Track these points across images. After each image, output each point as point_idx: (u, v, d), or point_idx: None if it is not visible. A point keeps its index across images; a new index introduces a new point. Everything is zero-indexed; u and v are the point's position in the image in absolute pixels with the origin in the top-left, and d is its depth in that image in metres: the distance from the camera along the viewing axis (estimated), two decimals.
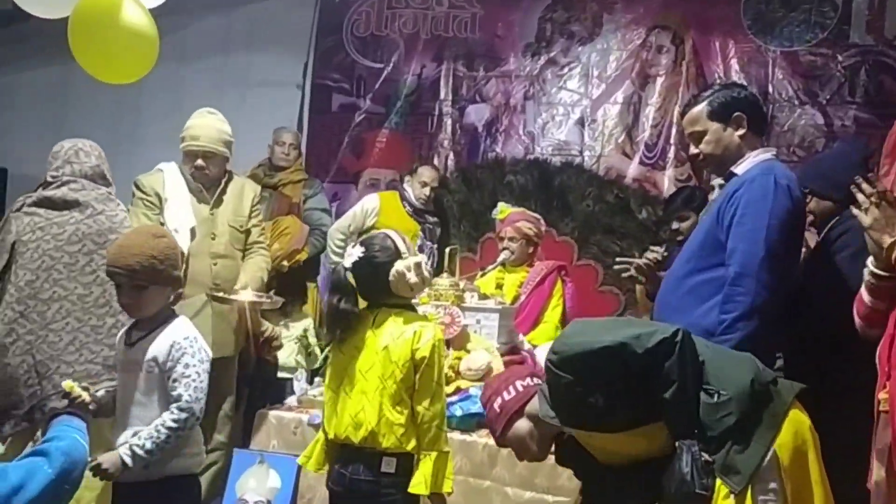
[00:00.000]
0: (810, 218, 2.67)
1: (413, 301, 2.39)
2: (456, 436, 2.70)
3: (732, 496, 1.55)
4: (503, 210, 3.83)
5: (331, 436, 2.25)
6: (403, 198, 4.37)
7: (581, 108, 4.95)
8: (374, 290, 2.25)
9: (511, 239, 3.72)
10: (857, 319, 1.98)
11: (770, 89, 4.62)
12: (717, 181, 2.91)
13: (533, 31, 5.02)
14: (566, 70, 5.01)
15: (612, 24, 4.90)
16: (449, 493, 2.19)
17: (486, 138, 5.08)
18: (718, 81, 4.68)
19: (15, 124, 5.71)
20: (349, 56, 5.26)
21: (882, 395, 1.82)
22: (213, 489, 3.04)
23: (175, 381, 2.13)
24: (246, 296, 3.14)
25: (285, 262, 3.72)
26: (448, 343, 3.06)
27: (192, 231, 3.23)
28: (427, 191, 4.34)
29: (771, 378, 1.71)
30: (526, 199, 4.45)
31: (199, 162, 3.31)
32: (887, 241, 1.82)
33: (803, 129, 4.55)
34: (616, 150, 4.84)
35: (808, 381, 1.77)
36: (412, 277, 2.21)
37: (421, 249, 4.03)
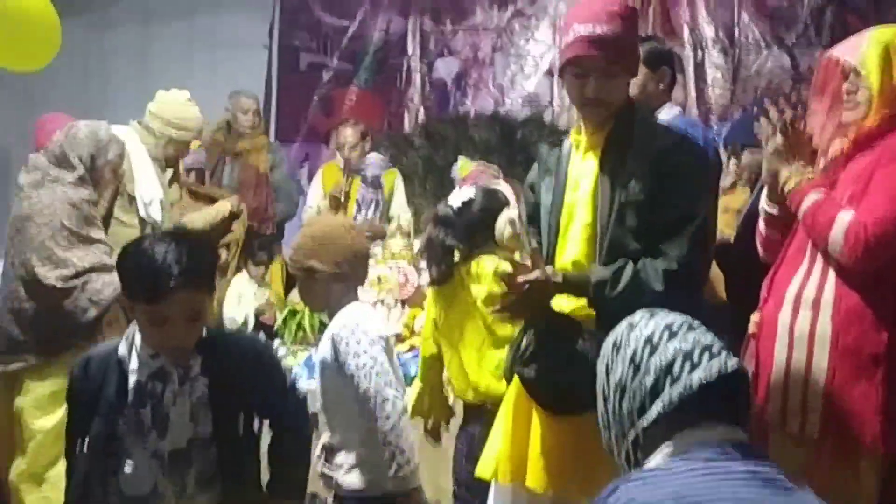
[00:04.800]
0: None
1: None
2: None
3: None
4: (463, 166, 3.83)
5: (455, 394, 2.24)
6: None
7: (550, 58, 4.91)
8: (474, 234, 2.11)
9: None
10: (759, 249, 1.93)
11: (737, 32, 4.58)
12: None
13: None
14: (533, 21, 4.97)
15: None
16: None
17: (456, 93, 5.06)
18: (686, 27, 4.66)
19: None
20: (314, 14, 5.21)
21: (754, 318, 1.80)
22: None
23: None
24: None
25: None
26: (404, 302, 3.11)
27: (161, 203, 3.31)
28: (347, 150, 4.09)
29: None
30: (489, 154, 4.43)
31: (186, 151, 3.42)
32: (784, 173, 1.76)
33: (770, 72, 4.52)
34: None
35: None
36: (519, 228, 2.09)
37: (364, 200, 4.05)
